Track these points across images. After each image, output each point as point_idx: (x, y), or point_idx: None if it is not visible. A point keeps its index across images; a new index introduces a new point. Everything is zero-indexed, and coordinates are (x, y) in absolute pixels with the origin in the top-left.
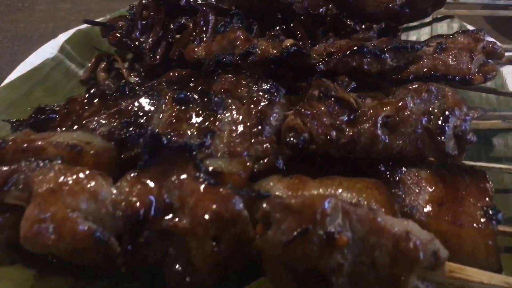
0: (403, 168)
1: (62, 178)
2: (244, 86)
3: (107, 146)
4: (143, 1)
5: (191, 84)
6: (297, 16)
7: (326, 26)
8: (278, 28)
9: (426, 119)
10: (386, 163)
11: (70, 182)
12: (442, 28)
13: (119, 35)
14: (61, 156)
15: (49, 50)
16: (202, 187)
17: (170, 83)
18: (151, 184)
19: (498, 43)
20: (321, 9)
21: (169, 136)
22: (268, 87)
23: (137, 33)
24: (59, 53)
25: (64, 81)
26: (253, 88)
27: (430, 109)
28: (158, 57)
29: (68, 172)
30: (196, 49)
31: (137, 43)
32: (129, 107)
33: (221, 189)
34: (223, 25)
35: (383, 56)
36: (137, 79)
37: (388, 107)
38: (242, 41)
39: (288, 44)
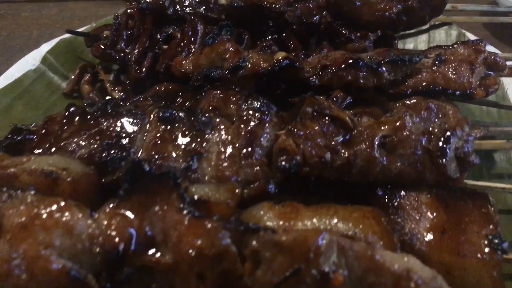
0: (402, 192)
1: (34, 211)
2: (234, 103)
3: (86, 171)
4: (128, 11)
5: (178, 100)
6: (289, 25)
7: (319, 35)
8: (270, 37)
9: (426, 139)
10: (383, 187)
11: (43, 215)
12: (440, 35)
13: (102, 47)
14: (35, 184)
15: (31, 61)
16: (186, 219)
17: (156, 98)
18: (132, 215)
19: (500, 54)
20: (315, 18)
21: (153, 160)
22: (258, 105)
23: (122, 44)
24: (41, 64)
25: (47, 94)
26: (243, 106)
27: (430, 128)
28: (144, 69)
29: (41, 204)
30: (183, 62)
31: (122, 54)
32: (111, 127)
33: (206, 222)
34: (211, 36)
35: (379, 69)
36: (121, 93)
37: (386, 127)
38: (232, 53)
39: (280, 58)
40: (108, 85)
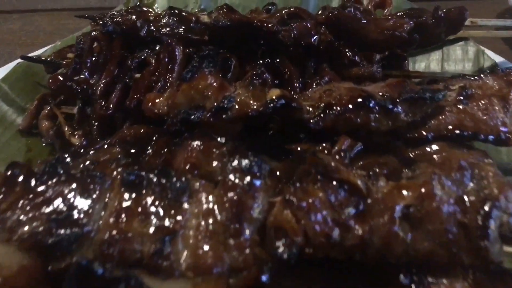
0: (430, 278)
1: None
2: (217, 158)
3: (25, 263)
4: (92, 33)
5: (150, 149)
6: (284, 46)
7: (319, 57)
8: (261, 61)
9: (460, 210)
10: (407, 271)
11: None
12: (455, 52)
13: (61, 78)
14: None
15: None
16: None
17: (124, 145)
18: None
19: None
20: (313, 38)
21: (110, 251)
22: (247, 165)
23: (86, 73)
24: None
25: None
26: (228, 165)
27: (465, 196)
28: (111, 105)
29: None
30: (156, 100)
31: (85, 86)
32: (61, 196)
33: None
34: (190, 70)
35: (395, 109)
36: (83, 139)
37: (409, 193)
38: (215, 90)
39: (274, 97)
40: (66, 129)
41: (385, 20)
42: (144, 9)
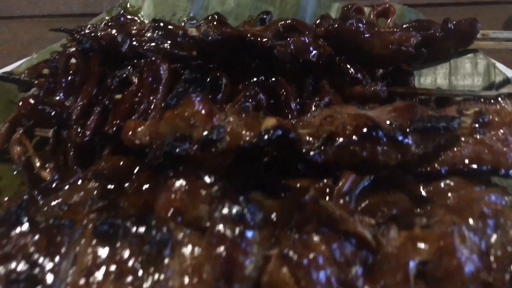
0: None
1: None
2: (204, 200)
3: None
4: (67, 51)
5: (130, 186)
6: (280, 63)
7: (318, 73)
8: (255, 79)
9: (483, 266)
10: None
11: None
12: (464, 66)
13: (32, 101)
14: None
15: None
16: None
17: (101, 180)
18: None
19: None
20: (312, 54)
21: None
22: (239, 212)
23: (61, 94)
24: None
25: None
26: (216, 212)
27: (489, 251)
28: (88, 132)
29: None
30: (138, 129)
31: (59, 110)
32: (24, 250)
33: None
34: (175, 95)
35: (404, 141)
36: (54, 173)
37: (425, 247)
38: (203, 118)
39: (269, 127)
40: (36, 160)
41: (390, 34)
42: (128, 18)
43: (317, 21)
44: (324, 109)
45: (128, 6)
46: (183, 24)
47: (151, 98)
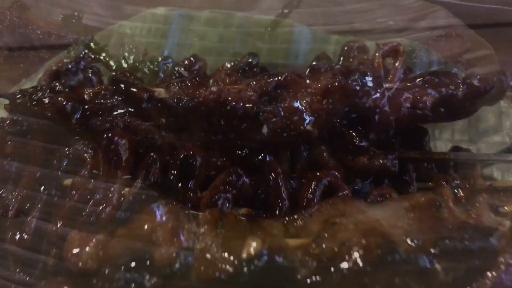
0: None
1: None
2: None
3: None
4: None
5: None
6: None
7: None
8: (238, 155)
9: None
10: None
11: None
12: (487, 118)
13: None
14: None
15: None
16: None
17: None
18: None
19: None
20: (306, 122)
21: None
22: None
23: None
24: None
25: None
26: None
27: None
28: (26, 236)
29: None
30: (83, 249)
31: None
32: None
33: None
34: (127, 209)
35: (430, 267)
36: None
37: None
38: (167, 232)
39: (251, 252)
40: None
41: (401, 92)
42: (91, 61)
43: (313, 64)
44: (323, 203)
45: (92, 45)
46: (156, 63)
47: (109, 193)
